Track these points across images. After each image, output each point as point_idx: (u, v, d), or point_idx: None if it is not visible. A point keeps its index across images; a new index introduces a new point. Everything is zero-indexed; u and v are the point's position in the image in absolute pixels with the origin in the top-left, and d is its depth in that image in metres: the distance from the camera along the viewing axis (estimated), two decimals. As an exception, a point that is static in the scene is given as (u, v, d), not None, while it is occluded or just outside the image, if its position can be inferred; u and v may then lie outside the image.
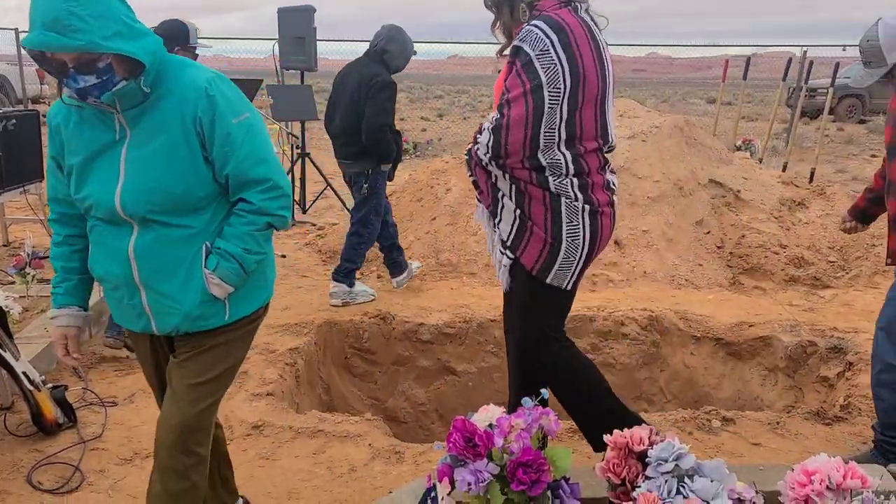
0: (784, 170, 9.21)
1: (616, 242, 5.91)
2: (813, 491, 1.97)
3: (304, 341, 4.36)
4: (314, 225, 7.43)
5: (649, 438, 2.11)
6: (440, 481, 1.99)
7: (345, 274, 4.96)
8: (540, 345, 2.74)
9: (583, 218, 2.56)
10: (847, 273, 5.75)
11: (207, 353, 2.14)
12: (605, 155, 2.65)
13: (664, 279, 5.61)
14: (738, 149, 10.73)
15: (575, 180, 2.52)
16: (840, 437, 3.26)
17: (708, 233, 6.10)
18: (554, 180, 2.50)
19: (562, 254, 2.58)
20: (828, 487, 1.99)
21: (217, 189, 2.05)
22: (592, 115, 2.51)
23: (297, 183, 8.13)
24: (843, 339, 4.41)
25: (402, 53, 4.86)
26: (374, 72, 4.74)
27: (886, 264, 2.95)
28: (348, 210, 8.04)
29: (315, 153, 8.83)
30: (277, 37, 7.34)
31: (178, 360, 2.15)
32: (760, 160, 9.80)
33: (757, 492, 2.05)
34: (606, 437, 2.19)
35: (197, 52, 4.54)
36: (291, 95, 6.99)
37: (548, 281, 2.62)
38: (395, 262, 5.26)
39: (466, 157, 2.64)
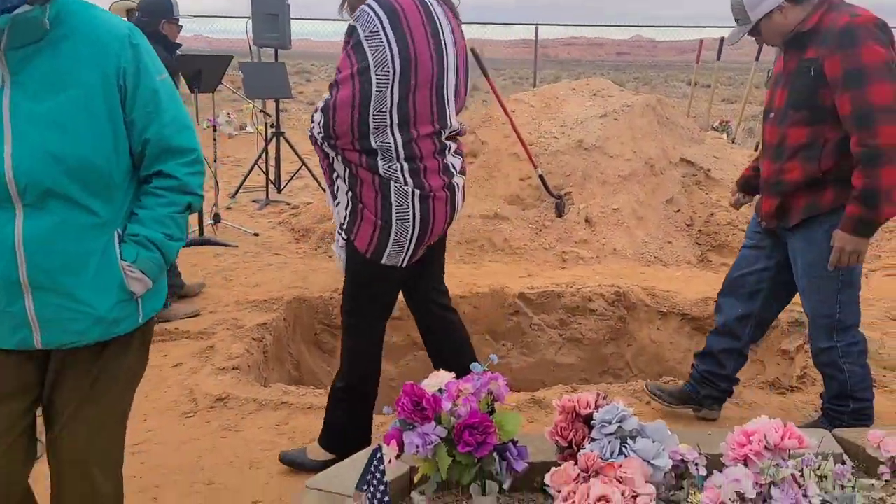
0: (756, 149, 9.29)
1: (587, 220, 5.96)
2: (751, 450, 2.02)
3: (273, 317, 4.37)
4: (288, 204, 7.42)
5: (595, 402, 2.15)
6: (388, 444, 2.02)
7: None
8: (359, 327, 2.80)
9: (412, 202, 2.52)
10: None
11: (120, 369, 1.78)
12: (445, 140, 2.62)
13: (633, 256, 5.67)
14: (715, 129, 10.82)
15: (405, 164, 2.49)
16: (794, 406, 3.33)
17: (678, 211, 6.16)
18: (383, 164, 2.47)
19: (392, 236, 2.55)
20: (766, 447, 2.04)
21: (131, 164, 1.72)
22: (427, 99, 2.47)
23: (273, 162, 8.11)
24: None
25: None
26: None
27: (758, 224, 3.00)
28: (323, 189, 8.07)
29: (290, 133, 8.80)
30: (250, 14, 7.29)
31: (77, 386, 1.73)
32: (733, 140, 9.90)
33: (700, 453, 2.11)
34: (555, 402, 2.23)
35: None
36: (264, 73, 6.96)
37: (382, 262, 2.60)
38: None
39: (310, 137, 2.58)
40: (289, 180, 8.24)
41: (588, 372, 4.83)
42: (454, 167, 2.66)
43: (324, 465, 2.66)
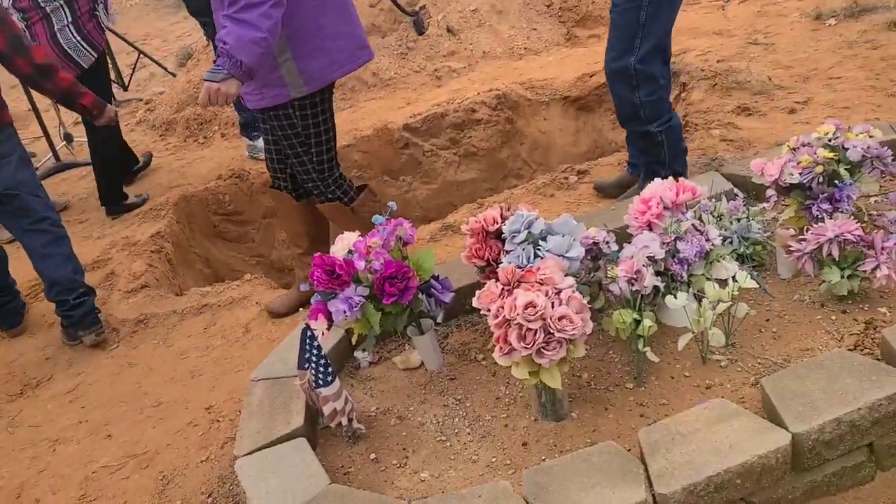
0: None
1: (449, 30, 5.77)
2: (652, 215, 2.11)
3: (164, 223, 4.18)
4: (140, 100, 6.87)
5: (501, 216, 2.18)
6: (315, 319, 2.02)
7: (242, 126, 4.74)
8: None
9: None
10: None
11: None
12: None
13: (504, 54, 5.59)
14: None
15: None
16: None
17: (535, -6, 6.01)
18: None
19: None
20: (664, 207, 2.14)
21: None
22: None
23: (107, 59, 7.39)
24: (674, 62, 4.57)
25: None
26: None
27: None
28: (170, 73, 7.47)
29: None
30: None
31: None
32: None
33: (608, 231, 2.20)
34: (464, 227, 2.25)
35: None
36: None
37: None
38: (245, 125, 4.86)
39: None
40: (130, 75, 7.58)
41: (490, 181, 4.89)
42: None
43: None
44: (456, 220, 3.46)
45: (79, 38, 4.03)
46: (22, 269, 3.81)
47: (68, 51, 4.01)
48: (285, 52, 2.44)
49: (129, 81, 7.50)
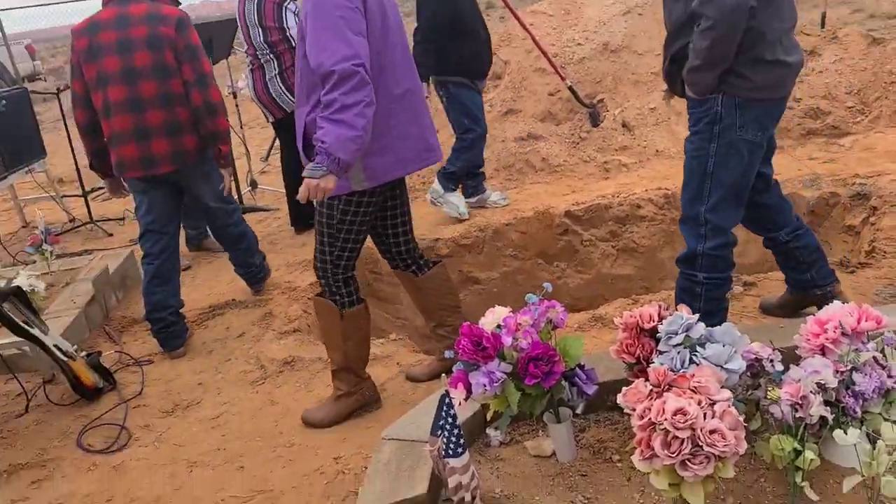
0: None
1: (624, 125, 5.77)
2: (827, 339, 1.95)
3: (324, 274, 4.39)
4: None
5: (658, 314, 2.10)
6: (455, 387, 2.01)
7: (443, 176, 4.94)
8: None
9: None
10: (867, 116, 5.56)
11: None
12: None
13: (678, 154, 5.48)
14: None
15: None
16: (866, 283, 3.21)
17: (718, 99, 5.91)
18: None
19: None
20: (843, 333, 1.97)
21: None
22: None
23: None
24: (865, 184, 4.30)
25: None
26: None
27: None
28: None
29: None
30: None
31: None
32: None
33: (774, 349, 2.04)
34: (617, 320, 2.18)
35: None
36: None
37: None
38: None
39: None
40: (270, 147, 8.03)
41: (647, 280, 4.75)
42: None
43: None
44: (607, 313, 3.38)
45: (283, 88, 4.68)
46: (193, 297, 4.12)
47: (274, 96, 4.69)
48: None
49: (269, 153, 7.67)
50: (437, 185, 4.95)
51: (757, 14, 2.34)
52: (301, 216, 5.12)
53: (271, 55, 4.63)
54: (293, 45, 4.61)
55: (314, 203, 2.63)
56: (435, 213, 5.20)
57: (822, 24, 7.91)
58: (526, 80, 6.25)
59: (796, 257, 2.96)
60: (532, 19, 6.57)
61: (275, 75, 4.66)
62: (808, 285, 2.96)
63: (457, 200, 4.95)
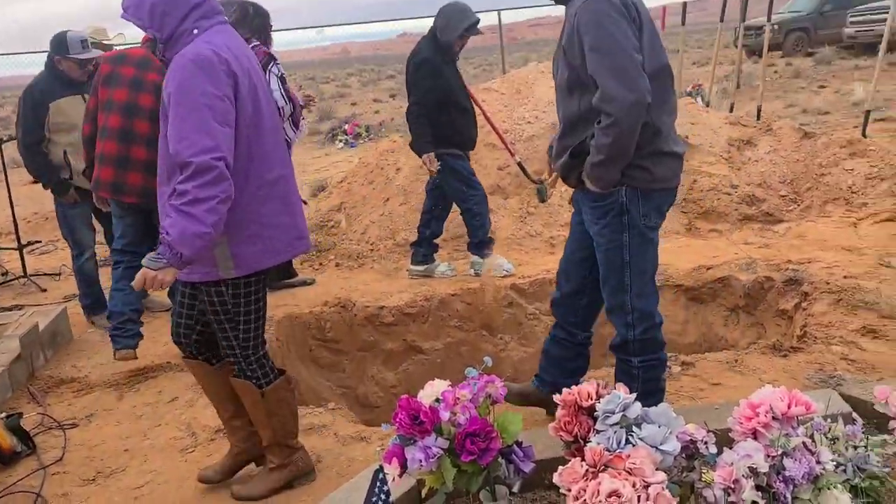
0: (731, 110, 9.27)
1: (570, 202, 5.90)
2: (759, 423, 1.98)
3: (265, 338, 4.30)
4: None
5: (597, 392, 2.11)
6: (389, 462, 1.97)
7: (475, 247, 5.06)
8: None
9: None
10: (799, 205, 5.82)
11: None
12: None
13: (621, 233, 5.63)
14: (689, 95, 10.78)
15: None
16: (797, 368, 3.30)
17: (660, 182, 6.12)
18: None
19: None
20: (773, 418, 2.00)
21: None
22: None
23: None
24: (797, 270, 4.46)
25: (448, 25, 4.68)
26: (416, 49, 4.79)
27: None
28: (303, 200, 7.92)
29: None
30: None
31: None
32: (708, 104, 9.86)
33: (708, 431, 2.07)
34: (556, 397, 2.18)
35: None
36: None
37: None
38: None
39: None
40: None
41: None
42: None
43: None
44: (548, 389, 3.37)
45: None
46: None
47: None
48: (221, 234, 2.36)
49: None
50: (475, 259, 5.05)
51: (651, 110, 2.47)
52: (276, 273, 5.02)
53: None
54: (276, 105, 4.64)
55: (206, 293, 2.51)
56: (379, 280, 5.19)
57: (758, 116, 8.34)
58: (476, 154, 6.36)
59: (576, 361, 3.06)
60: (485, 96, 6.76)
61: None
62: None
63: (499, 260, 5.06)
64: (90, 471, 3.08)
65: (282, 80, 4.72)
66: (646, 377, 2.76)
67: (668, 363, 3.49)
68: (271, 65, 4.66)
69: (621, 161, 2.50)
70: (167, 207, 2.26)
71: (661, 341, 2.81)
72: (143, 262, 2.26)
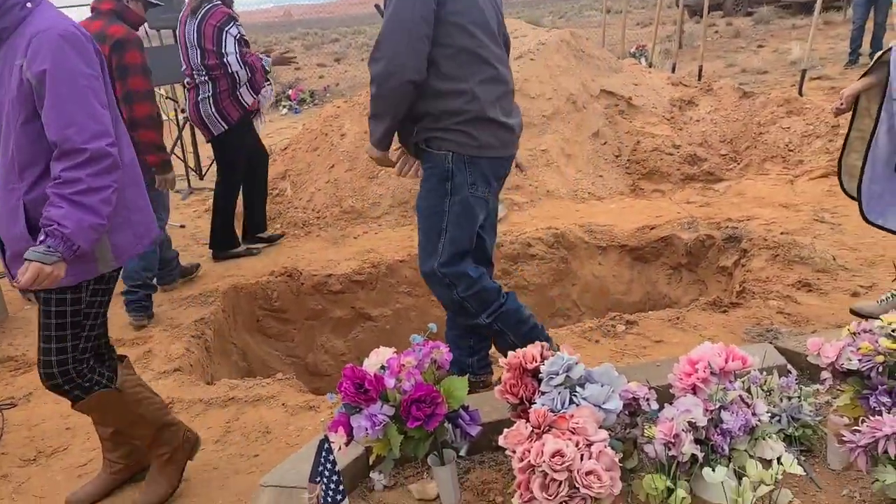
0: (673, 71, 9.36)
1: (517, 165, 5.90)
2: (698, 378, 2.03)
3: (210, 310, 4.23)
4: (212, 190, 7.16)
5: (541, 354, 2.13)
6: (335, 431, 1.96)
7: None
8: None
9: None
10: (738, 164, 5.94)
11: None
12: None
13: (567, 195, 5.67)
14: (633, 55, 10.85)
15: None
16: (736, 323, 3.39)
17: (605, 143, 6.17)
18: None
19: None
20: (711, 373, 2.05)
21: None
22: None
23: (190, 148, 7.81)
24: (737, 227, 4.57)
25: None
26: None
27: None
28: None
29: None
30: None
31: None
32: (651, 64, 9.94)
33: (650, 388, 2.11)
34: (501, 360, 2.20)
35: None
36: (164, 57, 6.61)
37: None
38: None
39: None
40: (209, 165, 7.94)
41: (537, 317, 4.82)
42: None
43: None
44: (494, 352, 3.40)
45: (213, 111, 4.72)
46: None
47: (204, 117, 4.77)
48: None
49: (206, 172, 7.85)
50: None
51: (469, 78, 2.52)
52: (222, 243, 5.08)
53: (206, 77, 4.67)
54: (230, 70, 4.67)
55: (37, 295, 2.27)
56: (326, 248, 5.14)
57: (700, 77, 8.45)
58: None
59: (471, 340, 2.97)
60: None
61: (207, 97, 4.71)
62: (467, 370, 2.94)
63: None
64: (30, 451, 3.00)
65: (240, 42, 4.63)
66: (508, 326, 2.75)
67: (613, 322, 3.55)
68: (229, 25, 4.56)
69: (384, 121, 2.58)
70: (55, 197, 2.05)
71: (494, 287, 2.76)
72: (31, 256, 2.03)
